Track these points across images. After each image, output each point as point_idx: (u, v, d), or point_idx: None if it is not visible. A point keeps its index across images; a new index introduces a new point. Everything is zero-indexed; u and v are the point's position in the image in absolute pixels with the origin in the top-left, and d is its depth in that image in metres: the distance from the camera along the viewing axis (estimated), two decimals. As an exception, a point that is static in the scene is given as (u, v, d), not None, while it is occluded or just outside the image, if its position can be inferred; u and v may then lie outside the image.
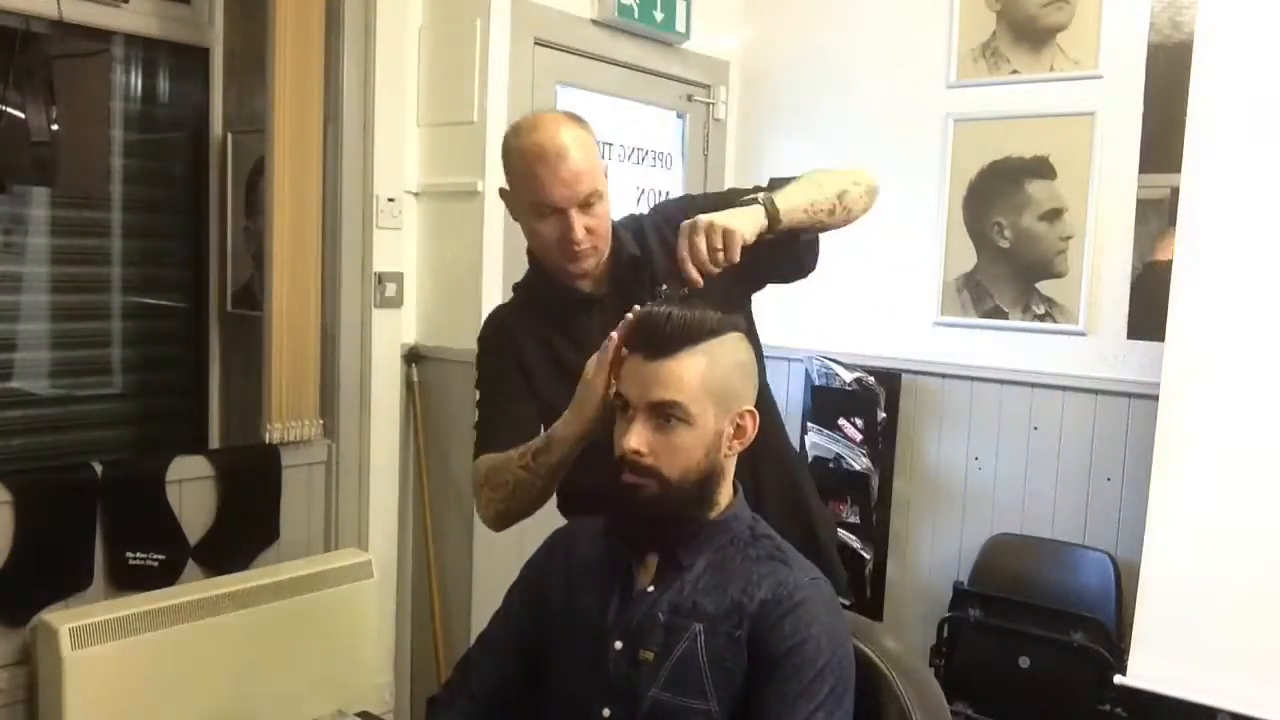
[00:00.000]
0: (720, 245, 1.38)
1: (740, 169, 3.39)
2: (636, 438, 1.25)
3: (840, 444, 3.10)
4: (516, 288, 1.71)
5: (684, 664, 1.23)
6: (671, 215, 1.61)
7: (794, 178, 1.57)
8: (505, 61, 2.61)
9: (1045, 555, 2.80)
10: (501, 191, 1.59)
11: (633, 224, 1.66)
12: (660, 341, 1.26)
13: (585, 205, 1.50)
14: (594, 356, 1.38)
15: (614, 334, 1.34)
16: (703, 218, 1.40)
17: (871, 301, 3.11)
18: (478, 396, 1.64)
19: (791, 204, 1.49)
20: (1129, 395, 2.69)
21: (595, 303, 1.58)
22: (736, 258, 1.39)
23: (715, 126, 3.32)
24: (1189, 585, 2.35)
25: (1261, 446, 2.28)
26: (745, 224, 1.41)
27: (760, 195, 1.48)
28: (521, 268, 1.72)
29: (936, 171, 3.00)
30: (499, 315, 1.70)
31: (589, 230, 1.50)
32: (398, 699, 2.76)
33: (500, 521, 1.55)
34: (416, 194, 2.70)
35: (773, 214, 1.46)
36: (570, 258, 1.53)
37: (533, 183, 1.49)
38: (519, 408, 1.59)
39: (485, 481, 1.54)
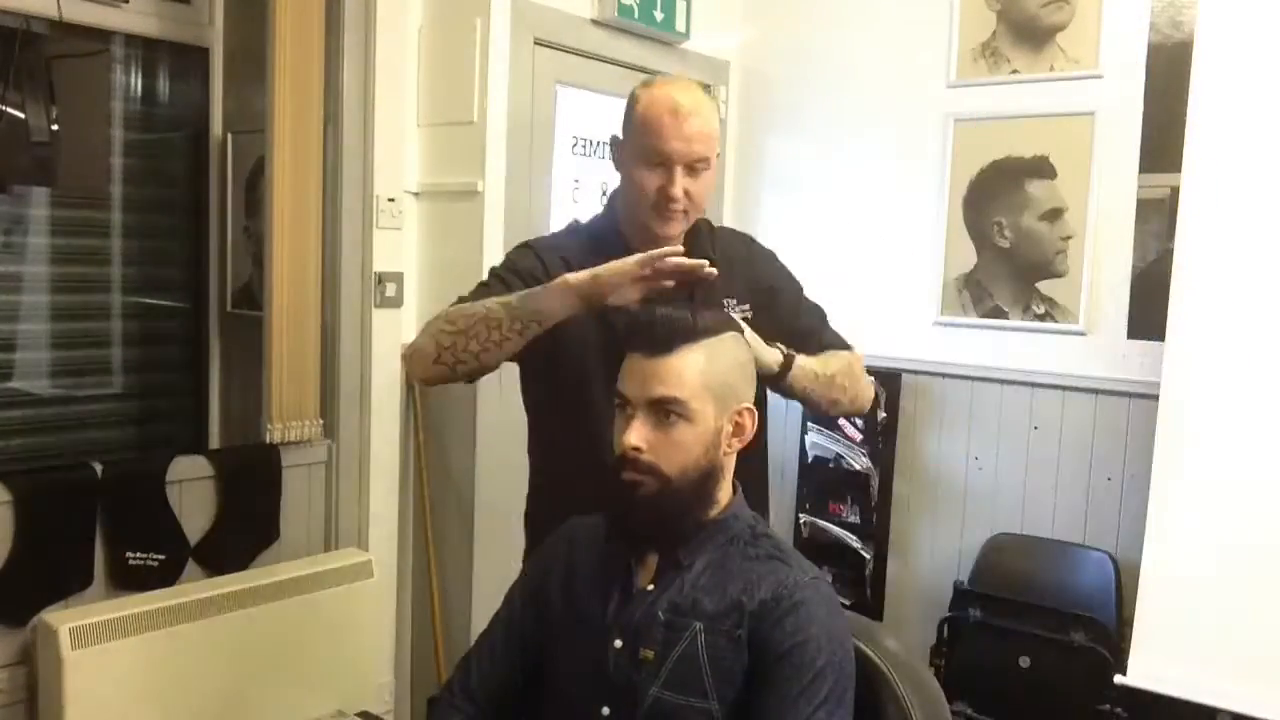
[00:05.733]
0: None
1: (740, 169, 3.39)
2: (636, 434, 1.25)
3: (840, 444, 3.10)
4: (575, 224, 1.73)
5: (684, 663, 1.23)
6: (729, 241, 1.74)
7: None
8: (505, 61, 2.61)
9: (1045, 555, 2.80)
10: (614, 139, 1.62)
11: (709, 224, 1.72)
12: (659, 338, 1.26)
13: (692, 168, 1.55)
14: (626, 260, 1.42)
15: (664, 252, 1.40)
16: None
17: (871, 301, 3.10)
18: (485, 276, 1.64)
19: (806, 365, 1.61)
20: (1129, 395, 2.69)
21: None
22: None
23: (715, 126, 3.32)
24: (1189, 585, 2.35)
25: (1261, 447, 2.28)
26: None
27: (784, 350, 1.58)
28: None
29: (936, 171, 3.00)
30: (552, 240, 1.72)
31: (687, 193, 1.55)
32: (398, 699, 2.76)
33: (435, 360, 1.48)
34: (416, 194, 2.70)
35: (787, 362, 1.56)
36: (661, 214, 1.57)
37: (655, 130, 1.54)
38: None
39: (446, 315, 1.51)
